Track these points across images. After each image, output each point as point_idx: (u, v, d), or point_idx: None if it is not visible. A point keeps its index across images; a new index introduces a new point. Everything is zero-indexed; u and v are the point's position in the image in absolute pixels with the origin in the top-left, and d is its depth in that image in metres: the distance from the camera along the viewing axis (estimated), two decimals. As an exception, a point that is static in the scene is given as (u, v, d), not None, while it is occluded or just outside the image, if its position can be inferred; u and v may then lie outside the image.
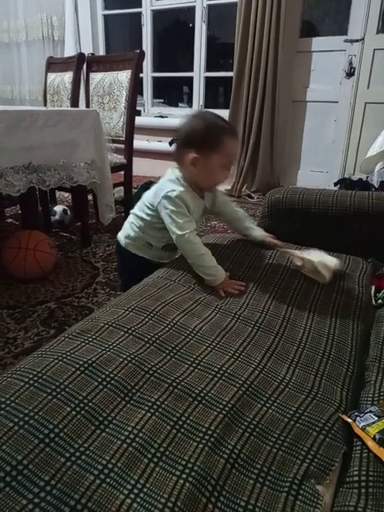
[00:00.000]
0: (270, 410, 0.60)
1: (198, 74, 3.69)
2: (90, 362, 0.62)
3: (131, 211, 1.16)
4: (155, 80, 4.00)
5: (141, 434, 0.52)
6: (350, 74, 2.96)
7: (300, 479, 0.50)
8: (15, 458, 0.47)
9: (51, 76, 2.84)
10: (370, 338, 0.85)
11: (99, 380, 0.59)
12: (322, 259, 0.98)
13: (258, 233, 1.16)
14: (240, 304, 0.87)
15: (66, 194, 3.09)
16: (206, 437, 0.53)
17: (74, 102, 2.65)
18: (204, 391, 0.61)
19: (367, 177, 2.64)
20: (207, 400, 0.59)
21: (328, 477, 0.51)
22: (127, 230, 1.16)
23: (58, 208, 2.47)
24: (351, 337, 0.82)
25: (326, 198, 1.27)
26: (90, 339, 0.68)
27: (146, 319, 0.75)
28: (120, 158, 2.40)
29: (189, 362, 0.66)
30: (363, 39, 2.85)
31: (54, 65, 2.87)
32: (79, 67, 2.61)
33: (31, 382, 0.57)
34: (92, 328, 0.71)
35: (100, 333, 0.70)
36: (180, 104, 4.25)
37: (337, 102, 3.07)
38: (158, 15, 3.82)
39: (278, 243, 1.14)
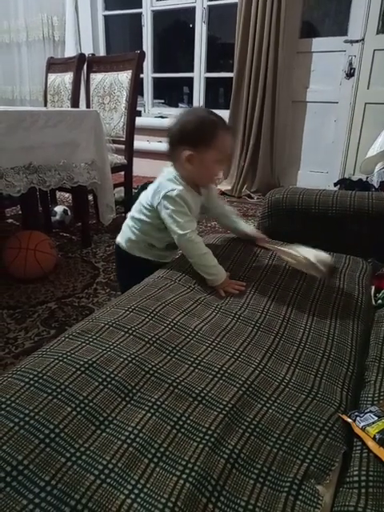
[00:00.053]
0: (270, 410, 0.60)
1: (198, 74, 3.69)
2: (90, 362, 0.62)
3: (129, 214, 1.15)
4: (155, 80, 4.01)
5: (141, 434, 0.52)
6: (349, 74, 2.96)
7: (300, 479, 0.50)
8: (16, 458, 0.47)
9: (52, 76, 2.85)
10: (369, 338, 0.85)
11: (100, 380, 0.59)
12: (316, 254, 0.97)
13: (245, 227, 1.18)
14: (240, 304, 0.87)
15: (67, 195, 3.09)
16: (207, 437, 0.53)
17: (75, 103, 2.65)
18: (204, 391, 0.61)
19: (367, 177, 2.64)
20: (207, 400, 0.59)
21: (328, 477, 0.51)
22: (127, 234, 1.14)
23: (59, 208, 2.47)
24: (351, 337, 0.82)
25: (325, 198, 1.27)
26: (91, 339, 0.68)
27: (147, 319, 0.75)
28: (120, 159, 2.40)
29: (189, 362, 0.67)
30: (363, 40, 2.85)
31: (54, 65, 2.87)
32: (80, 68, 2.61)
33: (32, 382, 0.57)
34: (92, 328, 0.71)
35: (100, 333, 0.70)
36: (180, 104, 4.25)
37: (337, 103, 3.07)
38: (158, 16, 3.83)
39: (266, 238, 1.16)
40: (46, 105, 2.93)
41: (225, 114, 3.29)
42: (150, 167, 3.60)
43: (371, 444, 0.54)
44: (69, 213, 2.50)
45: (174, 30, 4.20)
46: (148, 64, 3.89)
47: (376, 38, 2.82)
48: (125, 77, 2.39)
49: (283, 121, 3.16)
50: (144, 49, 3.81)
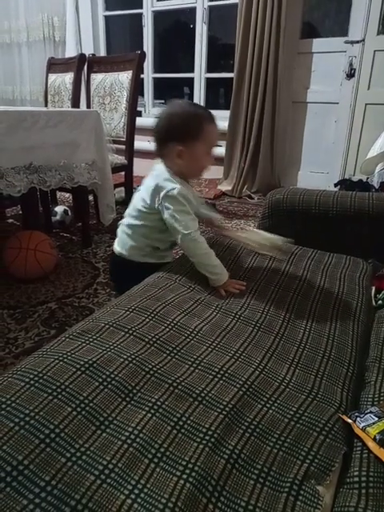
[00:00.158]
0: (271, 411, 0.60)
1: (199, 74, 3.70)
2: (90, 362, 0.62)
3: (123, 222, 1.12)
4: (156, 81, 4.01)
5: (141, 435, 0.52)
6: (350, 75, 2.96)
7: (300, 480, 0.50)
8: (16, 458, 0.47)
9: (52, 77, 2.85)
10: (370, 338, 0.85)
11: (100, 380, 0.59)
12: (268, 237, 1.09)
13: (206, 212, 1.20)
14: (240, 304, 0.87)
15: (67, 195, 3.09)
16: (207, 437, 0.53)
17: (75, 103, 2.65)
18: (204, 392, 0.61)
19: (367, 178, 2.64)
20: (208, 400, 0.59)
21: (328, 477, 0.51)
22: (127, 241, 1.11)
23: (59, 208, 2.47)
24: (351, 337, 0.82)
25: (326, 198, 1.27)
26: (91, 339, 0.68)
27: (147, 319, 0.75)
28: (121, 159, 2.41)
29: (189, 363, 0.67)
30: (363, 40, 2.85)
31: (54, 65, 2.88)
32: (80, 68, 2.62)
33: (32, 382, 0.57)
34: (93, 328, 0.71)
35: (101, 333, 0.70)
36: (181, 105, 4.24)
37: (337, 103, 3.07)
38: (158, 16, 3.83)
39: (225, 226, 1.21)
40: (46, 105, 2.93)
41: (225, 114, 3.29)
42: (151, 167, 3.61)
43: (371, 445, 0.54)
44: (69, 213, 2.50)
45: (174, 31, 4.20)
46: (148, 64, 3.89)
47: (376, 38, 2.82)
48: (125, 77, 2.40)
49: (284, 121, 3.17)
50: (144, 49, 3.81)
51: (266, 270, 1.03)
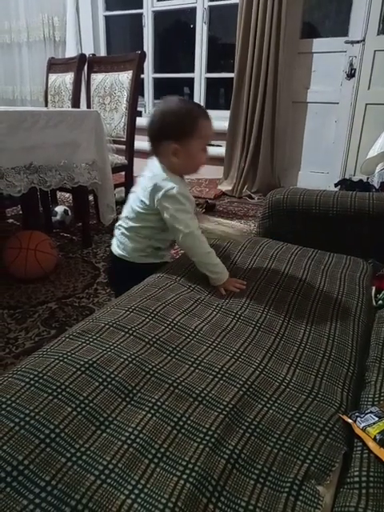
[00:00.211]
0: (271, 411, 0.60)
1: (199, 74, 3.70)
2: (90, 362, 0.62)
3: (121, 224, 1.10)
4: (156, 81, 4.01)
5: (141, 435, 0.52)
6: (350, 75, 2.96)
7: (301, 480, 0.50)
8: (16, 458, 0.47)
9: (52, 77, 2.85)
10: (370, 338, 0.85)
11: (100, 380, 0.59)
12: (234, 225, 1.09)
13: None
14: (241, 304, 0.87)
15: (67, 195, 3.09)
16: (207, 437, 0.53)
17: (75, 103, 2.65)
18: (205, 392, 0.61)
19: (368, 178, 2.64)
20: (208, 400, 0.59)
21: (328, 477, 0.51)
22: (128, 244, 1.09)
23: (59, 208, 2.47)
24: (352, 337, 0.82)
25: (326, 198, 1.27)
26: (91, 339, 0.68)
27: (147, 319, 0.75)
28: (121, 159, 2.41)
29: (189, 363, 0.66)
30: (364, 40, 2.85)
31: (55, 65, 2.88)
32: (80, 68, 2.62)
33: (32, 382, 0.57)
34: (93, 328, 0.71)
35: (101, 333, 0.70)
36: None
37: (337, 103, 3.07)
38: (158, 16, 3.83)
39: (203, 215, 1.21)
40: (46, 105, 2.93)
41: (225, 114, 3.30)
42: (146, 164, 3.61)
43: (372, 445, 0.54)
44: (69, 213, 2.50)
45: (174, 31, 4.20)
46: (149, 64, 3.89)
47: (377, 38, 2.82)
48: (125, 77, 2.40)
49: (284, 121, 3.16)
50: (145, 49, 3.81)
51: (265, 269, 1.03)
